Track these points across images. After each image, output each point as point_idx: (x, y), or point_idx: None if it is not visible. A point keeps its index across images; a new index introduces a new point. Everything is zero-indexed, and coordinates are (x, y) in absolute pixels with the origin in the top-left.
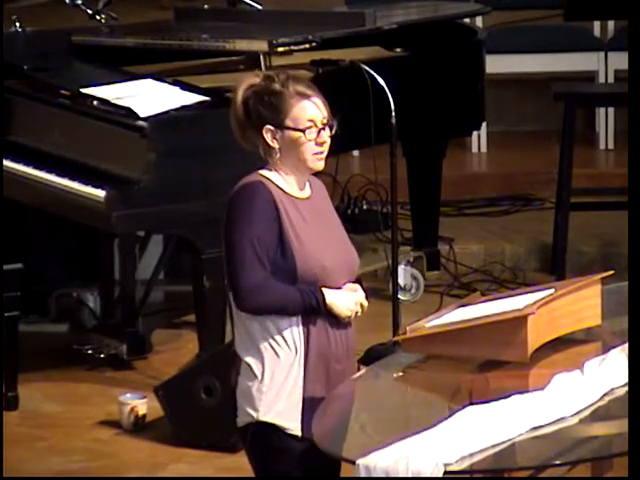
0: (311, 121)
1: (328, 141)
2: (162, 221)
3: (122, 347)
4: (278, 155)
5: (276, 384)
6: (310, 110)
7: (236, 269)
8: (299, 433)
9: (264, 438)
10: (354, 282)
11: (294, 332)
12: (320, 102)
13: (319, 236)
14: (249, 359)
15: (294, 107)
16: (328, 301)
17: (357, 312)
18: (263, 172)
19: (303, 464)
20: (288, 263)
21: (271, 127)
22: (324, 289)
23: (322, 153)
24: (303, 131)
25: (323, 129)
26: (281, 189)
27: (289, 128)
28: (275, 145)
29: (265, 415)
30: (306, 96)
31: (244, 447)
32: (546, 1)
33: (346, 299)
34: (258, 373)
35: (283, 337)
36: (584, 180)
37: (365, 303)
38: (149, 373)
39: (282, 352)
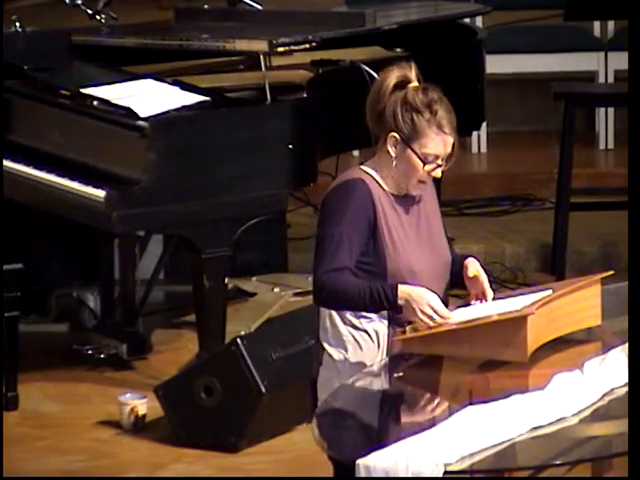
0: (436, 156)
1: (439, 176)
2: (162, 221)
3: (122, 347)
4: (391, 162)
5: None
6: (440, 146)
7: (316, 262)
8: None
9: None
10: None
11: (378, 326)
12: (451, 141)
13: (413, 238)
14: (332, 350)
15: (429, 136)
16: (405, 295)
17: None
18: (365, 168)
19: None
20: (379, 263)
21: (398, 137)
22: (401, 286)
23: (426, 183)
24: (424, 162)
25: (440, 165)
26: (381, 186)
27: (413, 150)
28: (392, 153)
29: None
30: (444, 132)
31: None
32: (546, 1)
33: (422, 295)
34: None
35: (367, 330)
36: (584, 180)
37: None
38: (149, 373)
39: (365, 345)
